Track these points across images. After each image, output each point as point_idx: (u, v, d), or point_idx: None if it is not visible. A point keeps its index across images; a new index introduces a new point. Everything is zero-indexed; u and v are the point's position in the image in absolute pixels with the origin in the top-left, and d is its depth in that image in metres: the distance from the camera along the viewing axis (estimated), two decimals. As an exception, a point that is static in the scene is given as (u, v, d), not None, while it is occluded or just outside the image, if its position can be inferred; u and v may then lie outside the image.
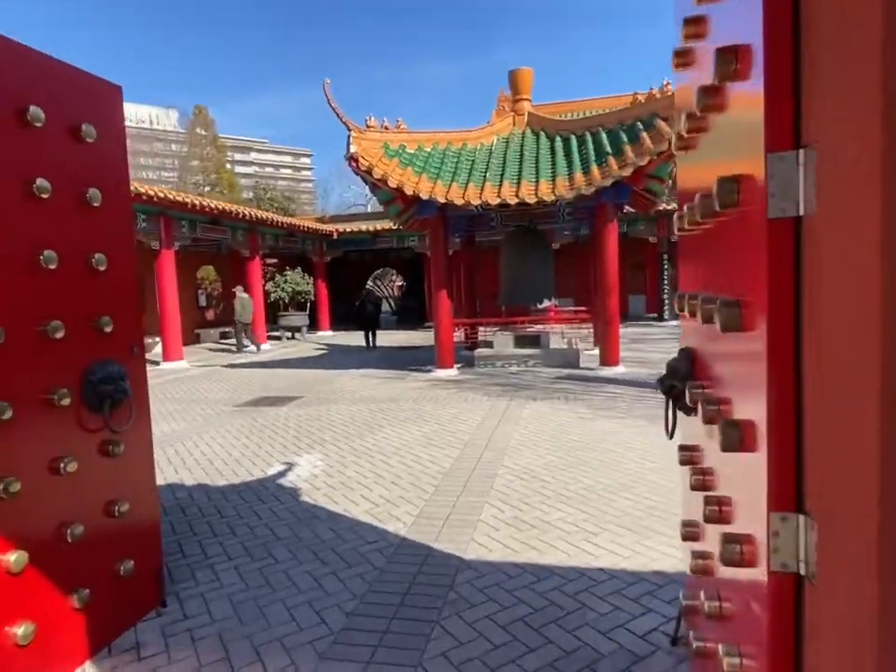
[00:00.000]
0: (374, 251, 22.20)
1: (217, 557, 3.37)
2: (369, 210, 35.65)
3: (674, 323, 17.80)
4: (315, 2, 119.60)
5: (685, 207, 1.60)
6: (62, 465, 2.32)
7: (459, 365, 10.60)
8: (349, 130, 8.99)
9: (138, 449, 2.77)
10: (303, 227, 16.80)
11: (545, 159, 9.33)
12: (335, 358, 13.29)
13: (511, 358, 10.30)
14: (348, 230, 18.80)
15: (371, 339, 15.09)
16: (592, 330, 11.72)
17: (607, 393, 7.73)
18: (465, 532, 3.54)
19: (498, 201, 8.71)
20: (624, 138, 8.57)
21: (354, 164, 8.93)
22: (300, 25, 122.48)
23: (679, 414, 2.14)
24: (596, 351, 11.24)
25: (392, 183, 8.86)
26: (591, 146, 9.02)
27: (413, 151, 9.53)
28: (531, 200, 8.65)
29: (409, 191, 8.91)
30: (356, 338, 18.21)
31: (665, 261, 18.09)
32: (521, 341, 10.44)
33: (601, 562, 3.11)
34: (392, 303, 29.34)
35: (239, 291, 15.10)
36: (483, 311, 13.70)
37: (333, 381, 9.91)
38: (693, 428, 2.05)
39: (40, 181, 2.24)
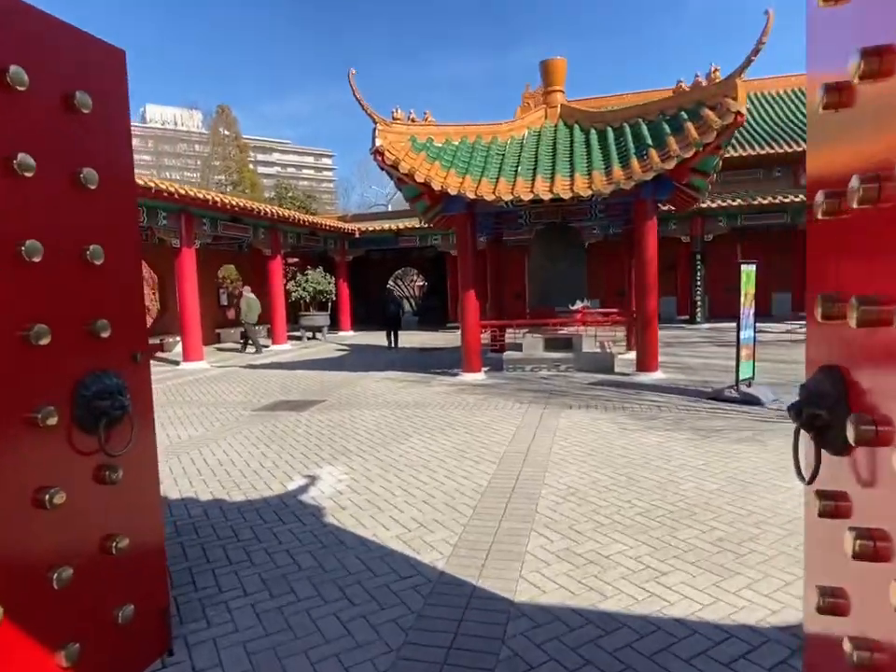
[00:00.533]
0: (396, 250, 21.86)
1: (231, 591, 2.98)
2: (389, 209, 35.38)
3: (706, 326, 17.12)
4: (338, 2, 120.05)
5: (821, 195, 1.22)
6: (47, 496, 1.94)
7: (486, 368, 10.16)
8: (374, 122, 8.61)
9: (140, 473, 2.39)
10: (325, 225, 16.51)
11: (580, 152, 8.85)
12: (357, 360, 12.94)
13: (541, 362, 9.83)
14: (370, 228, 18.47)
15: (393, 339, 15.01)
16: (625, 334, 11.19)
17: (647, 401, 7.23)
18: (512, 567, 3.10)
19: (531, 196, 8.26)
20: (667, 129, 8.06)
21: (380, 158, 8.55)
22: (322, 26, 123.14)
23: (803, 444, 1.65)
24: (631, 355, 10.73)
25: (419, 178, 8.46)
26: (630, 138, 8.51)
27: (440, 145, 9.12)
28: (566, 195, 8.18)
29: (437, 187, 8.50)
30: (377, 338, 17.89)
31: (699, 262, 17.38)
32: (551, 344, 9.97)
33: (676, 610, 2.65)
34: (413, 303, 29.00)
35: (246, 291, 14.92)
36: (509, 312, 13.25)
37: (355, 384, 9.55)
38: (837, 469, 1.58)
39: (22, 157, 1.86)
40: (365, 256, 21.28)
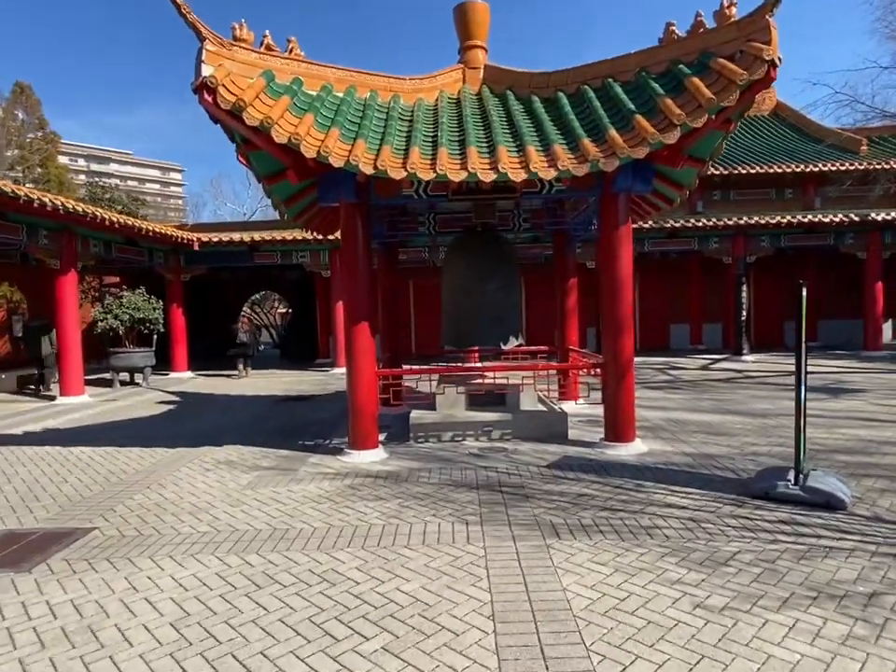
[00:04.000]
0: (252, 269, 17.75)
1: None
2: (246, 225, 30.66)
3: (751, 358, 15.12)
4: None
5: None
6: None
7: (384, 436, 6.84)
8: (201, 37, 5.07)
9: None
10: (145, 230, 12.12)
11: (524, 124, 6.00)
12: (186, 420, 8.87)
13: (464, 428, 6.71)
14: (214, 239, 14.33)
15: (243, 367, 14.38)
16: (557, 377, 8.46)
17: (665, 509, 4.37)
18: None
19: (464, 175, 5.19)
20: (658, 89, 5.49)
21: (209, 98, 5.01)
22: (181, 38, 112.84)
23: None
24: (570, 405, 8.00)
25: (280, 136, 5.06)
26: (597, 104, 5.84)
27: (314, 93, 5.78)
28: (517, 176, 5.24)
29: (310, 153, 5.14)
30: (223, 383, 13.66)
31: (743, 285, 15.60)
32: (477, 400, 6.90)
33: None
34: (274, 334, 24.65)
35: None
36: (406, 351, 10.06)
37: (168, 477, 5.69)
38: None
39: None
40: (210, 275, 16.90)
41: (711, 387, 10.92)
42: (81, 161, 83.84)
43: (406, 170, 5.23)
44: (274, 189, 6.25)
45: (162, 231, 12.96)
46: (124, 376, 13.64)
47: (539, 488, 4.95)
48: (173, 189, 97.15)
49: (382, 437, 6.89)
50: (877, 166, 16.45)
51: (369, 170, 5.23)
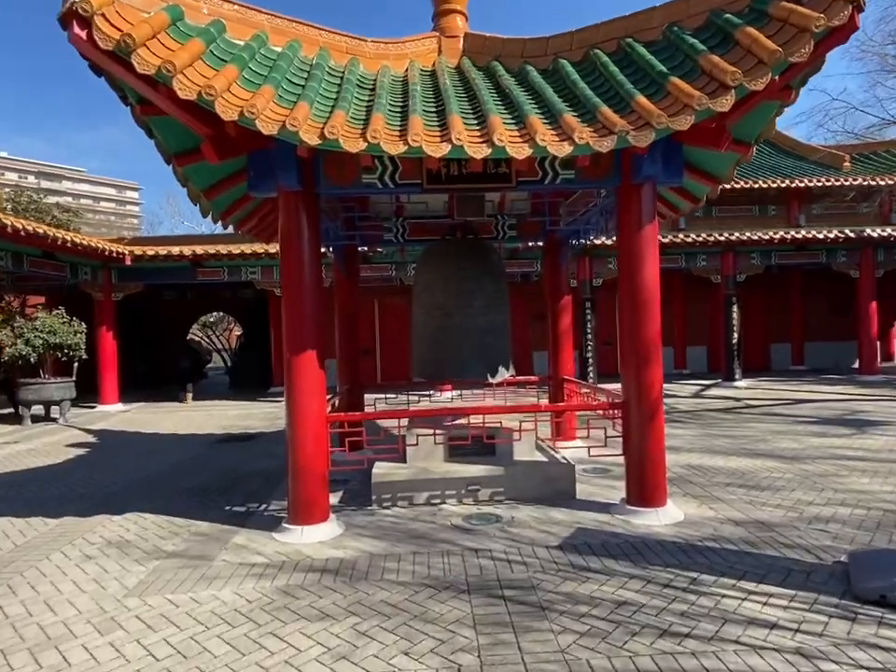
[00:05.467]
0: (201, 287, 15.97)
1: None
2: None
3: (744, 384, 13.94)
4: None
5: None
6: None
7: (338, 495, 5.27)
8: (70, -54, 3.54)
9: None
10: (62, 241, 10.28)
11: (517, 95, 4.62)
12: (95, 470, 7.06)
13: (443, 486, 5.17)
14: (150, 252, 12.54)
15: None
16: (562, 415, 7.02)
17: (759, 630, 2.92)
18: None
19: (446, 149, 3.75)
20: (698, 45, 4.19)
21: (80, 33, 3.48)
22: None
23: None
24: (575, 448, 6.55)
25: (184, 89, 3.54)
26: (613, 71, 4.51)
27: (241, 42, 4.28)
28: (519, 152, 3.82)
29: (228, 113, 3.62)
30: (158, 417, 11.77)
31: (734, 305, 14.37)
32: (459, 448, 5.37)
33: None
34: (226, 359, 22.67)
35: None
36: (371, 379, 8.55)
37: (24, 573, 3.98)
38: None
39: None
40: (149, 294, 15.07)
41: (716, 420, 9.67)
42: (32, 178, 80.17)
43: (366, 140, 3.75)
44: (190, 173, 4.68)
45: (85, 244, 11.14)
46: (38, 410, 11.64)
47: (556, 590, 3.44)
48: (129, 207, 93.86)
49: (335, 497, 5.30)
50: (864, 182, 15.82)
51: (313, 139, 3.74)
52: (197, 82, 3.64)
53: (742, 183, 16.37)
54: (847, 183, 15.98)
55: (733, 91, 3.81)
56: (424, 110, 4.30)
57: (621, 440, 4.87)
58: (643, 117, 3.94)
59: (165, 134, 4.31)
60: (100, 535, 4.77)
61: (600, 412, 5.02)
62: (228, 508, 5.39)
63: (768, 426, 8.96)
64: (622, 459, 4.91)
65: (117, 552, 4.37)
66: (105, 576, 3.93)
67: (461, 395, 8.18)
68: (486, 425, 5.02)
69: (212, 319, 27.39)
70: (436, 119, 4.24)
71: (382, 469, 5.23)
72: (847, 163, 17.43)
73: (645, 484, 4.68)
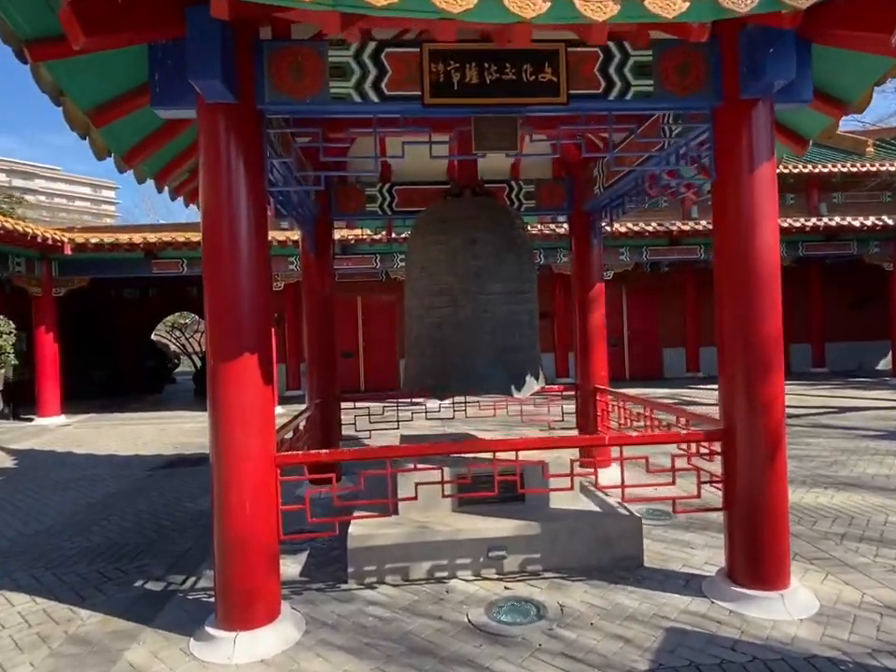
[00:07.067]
0: (160, 283, 14.19)
1: None
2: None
3: None
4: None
5: None
6: None
7: (299, 566, 3.62)
8: None
9: None
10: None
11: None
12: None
13: (451, 552, 3.54)
14: (93, 240, 10.75)
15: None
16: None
17: None
18: None
19: (471, 2, 2.14)
20: None
21: None
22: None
23: None
24: (610, 475, 4.94)
25: None
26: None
27: None
28: (601, 12, 2.22)
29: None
30: (102, 432, 9.95)
31: None
32: (470, 491, 3.73)
33: None
34: (196, 363, 20.82)
35: None
36: (353, 385, 6.92)
37: None
38: None
39: None
40: (104, 291, 13.29)
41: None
42: (3, 177, 77.21)
43: (329, -21, 2.13)
44: (61, 76, 2.99)
45: (10, 227, 9.33)
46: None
47: None
48: (105, 207, 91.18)
49: (296, 565, 3.65)
50: (892, 167, 14.51)
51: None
52: None
53: (759, 169, 14.97)
54: (874, 169, 14.64)
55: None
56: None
57: (695, 475, 3.28)
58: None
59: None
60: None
61: (683, 447, 3.41)
62: (140, 583, 3.71)
63: (829, 441, 7.47)
64: (684, 493, 3.31)
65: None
66: None
67: (464, 404, 6.52)
68: (503, 457, 3.39)
69: (187, 321, 25.55)
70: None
71: (361, 530, 3.56)
72: (870, 149, 16.13)
73: (761, 555, 3.09)
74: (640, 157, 4.34)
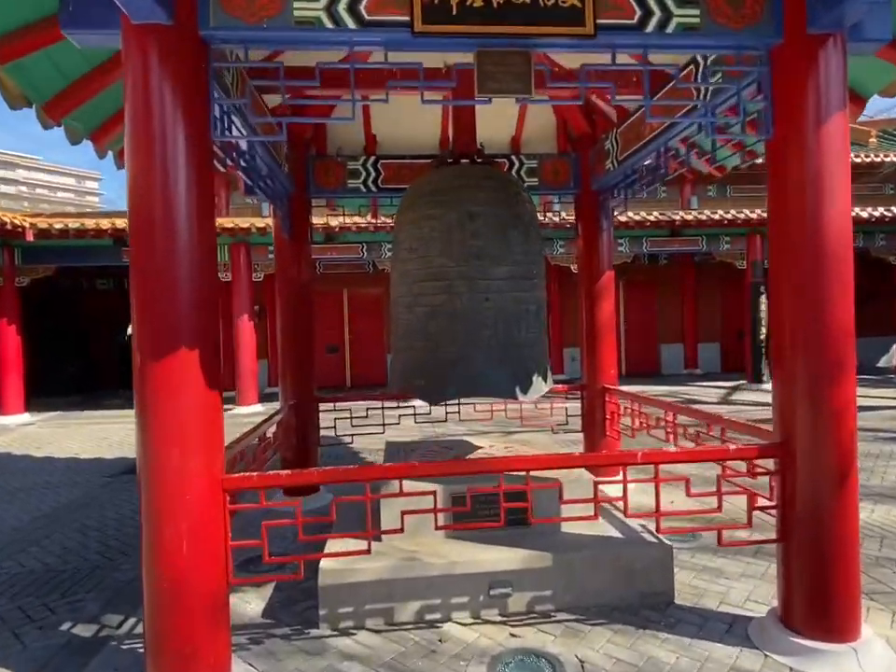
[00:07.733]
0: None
1: None
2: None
3: (769, 387, 11.78)
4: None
5: None
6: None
7: (262, 604, 2.98)
8: None
9: None
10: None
11: None
12: None
13: (443, 590, 2.93)
14: (57, 225, 9.99)
15: None
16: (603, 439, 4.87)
17: None
18: None
19: None
20: None
21: None
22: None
23: None
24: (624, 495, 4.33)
25: None
26: None
27: None
28: None
29: None
30: (68, 432, 9.19)
31: (762, 294, 12.07)
32: (468, 516, 3.13)
33: None
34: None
35: None
36: (339, 382, 6.29)
37: None
38: None
39: None
40: (77, 282, 12.52)
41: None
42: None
43: None
44: None
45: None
46: None
47: None
48: (88, 198, 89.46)
49: (259, 601, 3.02)
50: (895, 158, 14.05)
51: None
52: None
53: (760, 159, 14.47)
54: (879, 160, 14.18)
55: None
56: None
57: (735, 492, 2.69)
58: None
59: None
60: None
61: (754, 469, 2.81)
62: (67, 626, 3.07)
63: (849, 445, 6.93)
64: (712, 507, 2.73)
65: None
66: None
67: (458, 404, 5.90)
68: (503, 469, 2.79)
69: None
70: None
71: (333, 564, 2.94)
72: (872, 139, 15.68)
73: (827, 598, 2.51)
74: (663, 123, 3.75)
